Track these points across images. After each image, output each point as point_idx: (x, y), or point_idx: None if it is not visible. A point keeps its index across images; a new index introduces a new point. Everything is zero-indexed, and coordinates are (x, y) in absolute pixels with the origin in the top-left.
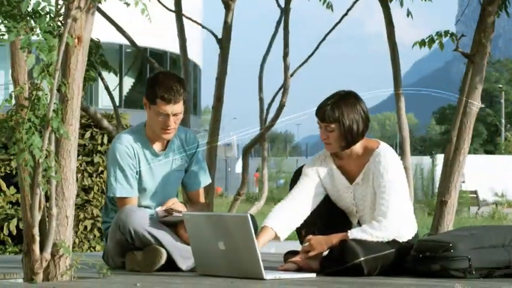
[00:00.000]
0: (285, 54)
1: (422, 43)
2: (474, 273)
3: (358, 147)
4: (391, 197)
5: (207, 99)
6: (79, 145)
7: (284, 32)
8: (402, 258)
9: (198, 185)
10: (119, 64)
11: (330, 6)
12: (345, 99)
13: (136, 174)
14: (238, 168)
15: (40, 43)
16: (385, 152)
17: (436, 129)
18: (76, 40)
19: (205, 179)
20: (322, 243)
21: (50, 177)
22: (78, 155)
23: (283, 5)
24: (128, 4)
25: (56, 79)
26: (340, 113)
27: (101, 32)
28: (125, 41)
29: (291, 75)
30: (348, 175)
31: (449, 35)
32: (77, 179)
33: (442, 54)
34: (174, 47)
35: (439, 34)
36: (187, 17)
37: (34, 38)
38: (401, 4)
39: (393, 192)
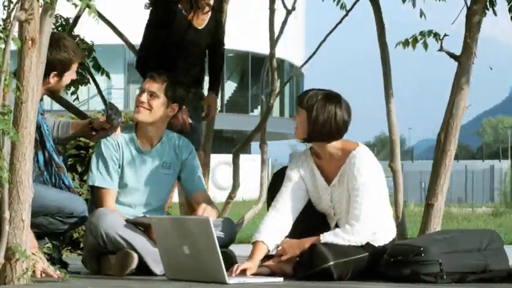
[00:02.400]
0: (271, 56)
1: (405, 43)
2: (445, 277)
3: (335, 148)
4: (364, 200)
5: None
6: None
7: (270, 33)
8: (376, 262)
9: (197, 187)
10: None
11: (343, 7)
12: (328, 97)
13: (119, 167)
14: None
15: None
16: (361, 155)
17: None
18: (30, 42)
19: (202, 184)
20: (294, 247)
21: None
22: None
23: (289, 6)
24: (75, 5)
25: (1, 81)
26: (313, 102)
27: None
28: (226, 46)
29: (294, 74)
30: (326, 176)
31: (432, 34)
32: None
33: None
34: (276, 52)
35: (422, 34)
36: None
37: None
38: (414, 5)
39: (366, 196)
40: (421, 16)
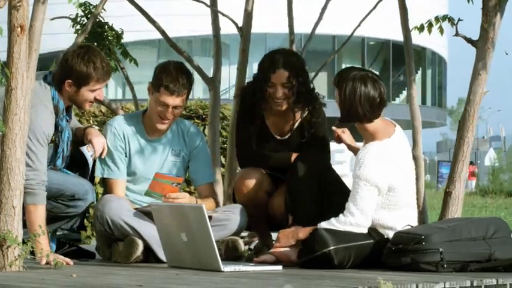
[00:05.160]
0: (291, 42)
1: (421, 28)
2: (446, 266)
3: (368, 130)
4: (359, 195)
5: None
6: None
7: (288, 18)
8: (382, 250)
9: (203, 179)
10: (361, 56)
11: None
12: (357, 77)
13: (126, 156)
14: (488, 161)
15: None
16: (370, 148)
17: None
18: (18, 29)
19: (208, 176)
20: (289, 237)
21: None
22: None
23: None
24: None
25: None
26: (343, 83)
27: (344, 25)
28: (367, 34)
29: (326, 62)
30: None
31: (447, 19)
32: None
33: None
34: (415, 39)
35: (437, 19)
36: (219, 10)
37: None
38: None
39: (361, 191)
40: (468, 1)
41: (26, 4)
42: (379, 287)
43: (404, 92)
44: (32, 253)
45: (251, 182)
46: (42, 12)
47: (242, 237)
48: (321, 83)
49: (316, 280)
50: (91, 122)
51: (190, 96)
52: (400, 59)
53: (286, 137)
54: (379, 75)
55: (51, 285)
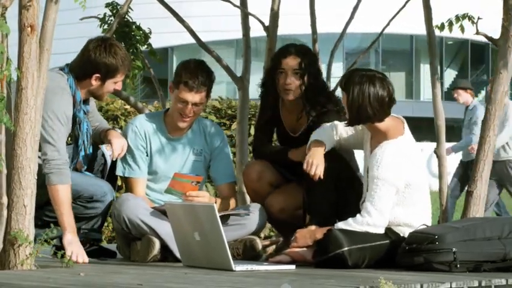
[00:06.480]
0: (313, 41)
1: (441, 27)
2: (459, 266)
3: (380, 129)
4: (377, 195)
5: None
6: (227, 136)
7: (311, 18)
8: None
9: (223, 179)
10: (439, 56)
11: None
12: (364, 78)
13: (147, 155)
14: None
15: None
16: (387, 147)
17: None
18: (29, 29)
19: (229, 176)
20: (306, 237)
21: None
22: None
23: None
24: None
25: None
26: (349, 85)
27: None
28: (445, 34)
29: (354, 63)
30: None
31: (467, 17)
32: None
33: None
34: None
35: (457, 17)
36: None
37: None
38: None
39: (379, 191)
40: None
41: (36, 4)
42: (380, 286)
43: (483, 92)
44: (58, 248)
45: (252, 173)
46: (55, 12)
47: (269, 237)
48: (398, 83)
49: (321, 279)
50: None
51: (233, 96)
52: (479, 58)
53: (297, 134)
54: (385, 74)
55: (52, 283)
